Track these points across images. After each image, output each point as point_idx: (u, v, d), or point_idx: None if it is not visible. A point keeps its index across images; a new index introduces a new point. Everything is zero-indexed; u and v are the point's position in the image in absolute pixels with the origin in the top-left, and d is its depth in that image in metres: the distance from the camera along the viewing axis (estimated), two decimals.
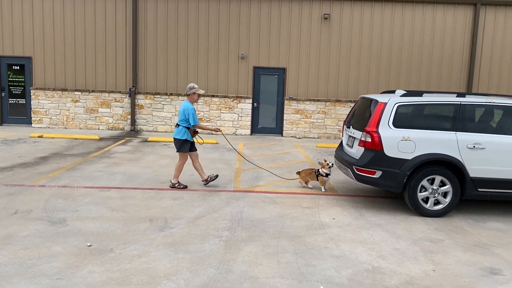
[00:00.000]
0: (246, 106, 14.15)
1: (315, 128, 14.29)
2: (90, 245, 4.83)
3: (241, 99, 14.11)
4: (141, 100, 14.20)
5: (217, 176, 7.57)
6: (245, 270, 4.34)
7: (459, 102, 6.37)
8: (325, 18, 13.78)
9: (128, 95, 14.11)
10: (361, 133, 6.58)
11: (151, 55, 14.08)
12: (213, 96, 14.07)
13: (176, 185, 7.39)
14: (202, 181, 7.52)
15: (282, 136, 14.33)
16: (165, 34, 14.01)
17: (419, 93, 6.60)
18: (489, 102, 6.44)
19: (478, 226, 5.99)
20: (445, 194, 6.25)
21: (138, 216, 5.88)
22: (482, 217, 6.37)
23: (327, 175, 7.38)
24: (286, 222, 5.85)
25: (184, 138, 7.26)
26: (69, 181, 7.59)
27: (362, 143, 6.50)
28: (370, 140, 6.34)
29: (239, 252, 4.78)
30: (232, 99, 14.09)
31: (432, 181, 6.23)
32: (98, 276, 4.12)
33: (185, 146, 7.33)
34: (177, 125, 7.35)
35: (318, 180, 7.51)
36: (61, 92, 14.17)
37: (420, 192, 6.24)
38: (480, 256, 4.94)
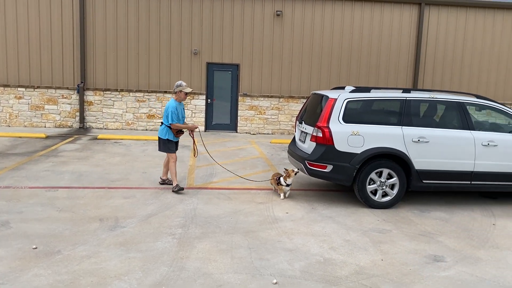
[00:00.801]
0: (200, 102, 14.03)
1: (269, 124, 14.41)
2: (36, 248, 4.63)
3: (194, 95, 13.98)
4: (90, 96, 13.72)
5: (182, 189, 6.95)
6: (198, 267, 4.32)
7: (405, 98, 6.64)
8: (278, 15, 13.90)
9: (76, 91, 13.59)
10: (312, 128, 6.70)
11: (100, 50, 13.62)
12: (165, 92, 13.84)
13: (173, 188, 6.89)
14: (168, 184, 7.29)
15: (236, 132, 14.34)
16: (114, 28, 13.59)
17: (367, 89, 6.81)
18: (433, 98, 6.75)
19: (423, 216, 6.28)
20: (392, 186, 6.51)
21: (87, 216, 5.69)
22: (426, 208, 6.68)
23: (287, 185, 6.80)
24: (240, 217, 5.87)
25: (166, 137, 6.97)
26: (13, 182, 7.22)
27: (314, 138, 6.63)
28: (321, 135, 6.47)
29: (192, 249, 4.74)
30: None
31: (380, 174, 6.46)
32: (45, 279, 3.96)
33: (170, 146, 7.04)
34: (161, 123, 7.09)
35: (277, 186, 6.94)
36: (2, 88, 13.42)
37: (369, 184, 6.46)
38: (424, 245, 5.18)
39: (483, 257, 4.87)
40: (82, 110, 13.62)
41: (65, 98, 13.65)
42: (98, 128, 13.80)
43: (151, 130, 13.88)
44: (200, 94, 14.00)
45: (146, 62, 13.78)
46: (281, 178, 6.85)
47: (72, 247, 4.68)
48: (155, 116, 13.89)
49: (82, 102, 13.59)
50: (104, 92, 13.73)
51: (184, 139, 12.27)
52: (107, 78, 13.75)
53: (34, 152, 9.79)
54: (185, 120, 7.31)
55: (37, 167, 8.34)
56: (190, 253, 4.65)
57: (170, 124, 6.92)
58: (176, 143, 7.20)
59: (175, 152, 7.10)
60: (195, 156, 7.47)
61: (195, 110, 14.03)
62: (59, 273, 4.09)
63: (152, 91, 13.82)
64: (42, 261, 4.32)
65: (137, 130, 13.87)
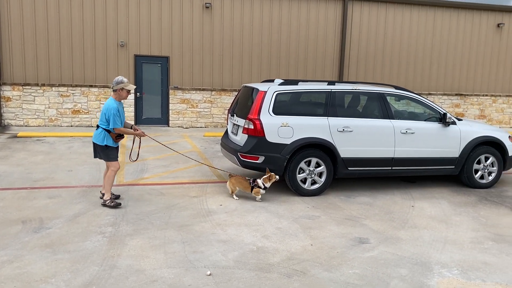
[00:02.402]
0: (129, 96, 13.58)
1: (202, 117, 14.33)
2: None
3: None
4: (7, 92, 12.78)
5: (119, 204, 5.98)
6: (130, 264, 4.25)
7: (330, 90, 6.93)
8: (207, 7, 13.80)
9: None
10: (244, 120, 6.79)
11: (17, 41, 12.70)
12: (91, 86, 13.25)
13: (108, 202, 5.92)
14: (101, 198, 6.11)
15: (168, 126, 14.10)
16: (32, 18, 12.73)
17: (295, 82, 7.02)
18: (355, 89, 7.11)
19: (349, 201, 6.63)
20: (320, 175, 6.79)
21: (8, 219, 5.35)
22: (352, 193, 7.05)
23: (265, 188, 6.44)
24: (173, 212, 5.82)
25: (103, 143, 5.83)
26: None
27: (246, 130, 6.72)
28: (252, 127, 6.58)
29: (124, 247, 4.64)
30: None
31: (309, 163, 6.71)
32: None
33: (110, 154, 5.91)
34: (97, 126, 5.92)
35: (251, 192, 6.44)
36: None
37: (299, 173, 6.69)
38: (351, 228, 5.48)
39: (403, 237, 5.25)
40: None
41: None
42: (18, 126, 12.92)
43: (76, 126, 13.26)
44: None
45: (69, 54, 13.09)
46: (260, 181, 6.39)
47: None
48: (81, 111, 13.27)
49: None
50: (24, 87, 12.86)
51: None
52: (26, 72, 12.88)
53: None
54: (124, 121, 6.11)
55: None
56: (122, 251, 4.55)
57: (113, 128, 5.80)
58: (117, 148, 6.07)
59: (117, 160, 6.01)
60: (134, 160, 6.83)
61: (124, 105, 13.57)
62: None
63: (76, 85, 13.17)
64: None
65: (61, 126, 13.17)
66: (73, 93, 13.19)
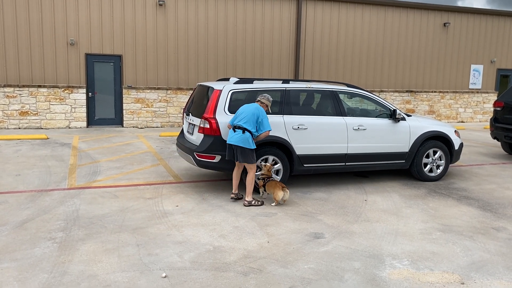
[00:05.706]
0: (80, 96, 13.17)
1: (157, 117, 14.10)
2: None
3: (73, 88, 13.07)
4: None
5: (262, 203, 6.31)
6: (82, 270, 4.11)
7: (284, 88, 7.00)
8: (160, 5, 13.57)
9: None
10: (200, 120, 6.74)
11: None
12: (39, 86, 12.71)
13: (253, 202, 6.23)
14: (245, 200, 6.25)
15: (122, 127, 13.78)
16: None
17: (250, 80, 7.03)
18: (309, 87, 7.22)
19: (305, 197, 6.73)
20: (277, 172, 6.85)
21: None
22: (308, 190, 7.17)
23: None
24: (127, 215, 5.69)
25: (253, 147, 6.14)
26: None
27: (201, 129, 6.67)
28: (208, 126, 6.54)
29: (75, 252, 4.49)
30: (63, 89, 12.94)
31: (265, 161, 6.75)
32: None
33: (255, 156, 6.24)
34: (238, 128, 6.11)
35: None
36: None
37: (256, 172, 6.70)
38: (306, 224, 5.56)
39: (357, 231, 5.39)
40: None
41: None
42: None
43: (25, 128, 12.69)
44: (80, 87, 13.14)
45: (15, 54, 12.50)
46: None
47: None
48: (29, 113, 12.71)
49: None
50: None
51: (56, 136, 11.45)
52: None
53: None
54: None
55: None
56: (73, 256, 4.40)
57: (267, 130, 6.21)
58: None
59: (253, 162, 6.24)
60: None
61: (75, 105, 13.14)
62: None
63: (24, 86, 12.60)
64: None
65: (8, 129, 12.56)
66: (20, 94, 12.61)
